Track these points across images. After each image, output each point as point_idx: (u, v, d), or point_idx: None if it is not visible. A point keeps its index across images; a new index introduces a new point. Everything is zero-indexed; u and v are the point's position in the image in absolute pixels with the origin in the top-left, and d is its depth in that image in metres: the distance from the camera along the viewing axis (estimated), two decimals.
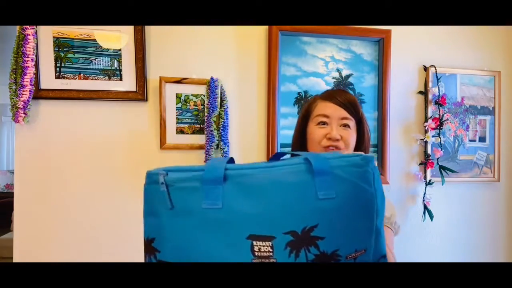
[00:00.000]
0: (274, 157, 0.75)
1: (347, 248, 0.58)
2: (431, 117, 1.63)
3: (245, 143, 1.52)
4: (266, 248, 0.56)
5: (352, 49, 1.59)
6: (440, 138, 1.62)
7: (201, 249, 0.56)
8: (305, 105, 1.00)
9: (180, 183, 0.58)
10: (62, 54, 1.38)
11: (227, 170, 0.59)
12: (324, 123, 0.90)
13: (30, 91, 1.31)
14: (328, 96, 0.93)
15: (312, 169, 0.58)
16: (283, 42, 1.51)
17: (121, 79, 1.41)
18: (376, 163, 1.57)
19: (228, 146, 1.45)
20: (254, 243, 0.56)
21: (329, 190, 0.57)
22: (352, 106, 0.90)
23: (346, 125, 0.89)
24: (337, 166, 0.60)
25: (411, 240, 1.65)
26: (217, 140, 1.44)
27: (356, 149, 0.92)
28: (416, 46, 1.66)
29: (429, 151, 1.63)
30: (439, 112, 1.63)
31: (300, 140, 0.96)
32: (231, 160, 0.67)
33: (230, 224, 0.56)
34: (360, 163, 0.60)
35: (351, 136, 0.90)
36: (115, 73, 1.41)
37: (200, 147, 1.46)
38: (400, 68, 1.63)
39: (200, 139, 1.47)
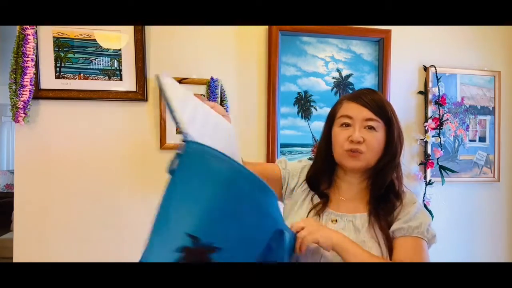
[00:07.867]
0: None
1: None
2: (431, 117, 1.63)
3: (245, 143, 1.52)
4: None
5: (352, 49, 1.59)
6: (440, 138, 1.62)
7: None
8: (332, 107, 0.94)
9: None
10: (62, 54, 1.38)
11: None
12: (347, 124, 0.84)
13: (30, 91, 1.31)
14: (353, 96, 0.87)
15: None
16: (283, 42, 1.51)
17: (121, 79, 1.41)
18: None
19: None
20: None
21: None
22: (378, 106, 0.83)
23: (371, 127, 0.82)
24: None
25: None
26: None
27: (384, 153, 0.84)
28: (416, 46, 1.66)
29: (429, 151, 1.63)
30: (439, 112, 1.63)
31: (326, 144, 0.90)
32: None
33: None
34: None
35: (376, 139, 0.82)
36: (115, 73, 1.41)
37: None
38: (400, 68, 1.63)
39: None
